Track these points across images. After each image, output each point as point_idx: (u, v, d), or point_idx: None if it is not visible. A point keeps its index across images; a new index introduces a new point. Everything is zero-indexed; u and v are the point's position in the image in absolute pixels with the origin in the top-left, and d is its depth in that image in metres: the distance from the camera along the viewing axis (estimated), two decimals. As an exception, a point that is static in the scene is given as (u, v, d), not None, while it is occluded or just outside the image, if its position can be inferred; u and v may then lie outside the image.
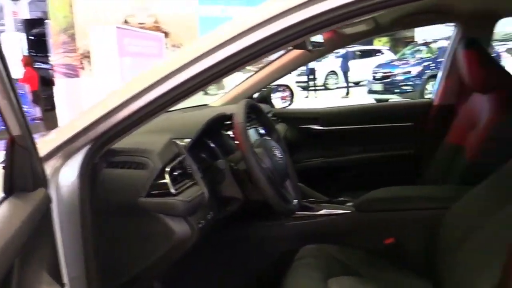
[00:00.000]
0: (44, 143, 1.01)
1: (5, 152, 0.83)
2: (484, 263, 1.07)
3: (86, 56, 6.23)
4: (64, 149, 1.00)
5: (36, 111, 9.27)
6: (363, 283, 1.33)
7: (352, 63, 13.74)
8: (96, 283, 1.03)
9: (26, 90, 9.12)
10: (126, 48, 4.10)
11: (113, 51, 3.79)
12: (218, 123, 1.63)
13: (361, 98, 11.40)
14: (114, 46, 3.79)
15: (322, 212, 1.63)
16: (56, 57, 6.15)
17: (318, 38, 1.93)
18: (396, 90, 10.64)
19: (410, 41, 18.27)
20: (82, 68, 6.28)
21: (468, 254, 1.17)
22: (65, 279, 0.97)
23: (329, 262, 1.42)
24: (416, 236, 1.50)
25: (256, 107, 1.56)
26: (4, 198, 0.82)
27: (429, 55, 11.61)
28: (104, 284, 1.08)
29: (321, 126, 2.38)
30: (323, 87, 14.75)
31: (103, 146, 1.04)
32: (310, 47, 1.67)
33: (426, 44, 12.38)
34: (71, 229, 0.99)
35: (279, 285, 1.34)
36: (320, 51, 2.15)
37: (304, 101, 11.92)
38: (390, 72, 11.07)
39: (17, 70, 9.28)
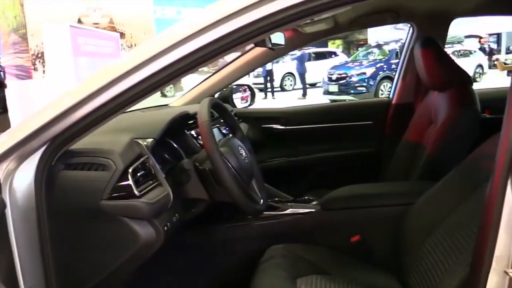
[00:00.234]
0: (-5, 145, 0.95)
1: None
2: (447, 257, 1.08)
3: (39, 57, 6.01)
4: (18, 151, 0.95)
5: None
6: (331, 282, 1.33)
7: (307, 65, 13.93)
8: None
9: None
10: (81, 47, 3.95)
11: (67, 51, 3.65)
12: (181, 123, 1.59)
13: (317, 99, 11.60)
14: (68, 45, 3.65)
15: (288, 211, 1.62)
16: (7, 58, 5.89)
17: (279, 37, 1.93)
18: (351, 91, 10.92)
19: (362, 44, 18.82)
20: (35, 69, 6.07)
21: (432, 248, 1.18)
22: (22, 288, 0.92)
23: (296, 261, 1.42)
24: (381, 233, 1.52)
25: (219, 105, 1.53)
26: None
27: (381, 57, 11.99)
28: None
29: (283, 125, 2.38)
30: (279, 89, 14.86)
31: (60, 147, 1.00)
32: (269, 45, 1.67)
33: (378, 46, 12.77)
34: (28, 235, 0.94)
35: (247, 286, 1.32)
36: (281, 50, 2.15)
37: (262, 103, 11.96)
38: (345, 74, 11.34)
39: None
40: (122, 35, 6.91)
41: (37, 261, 0.95)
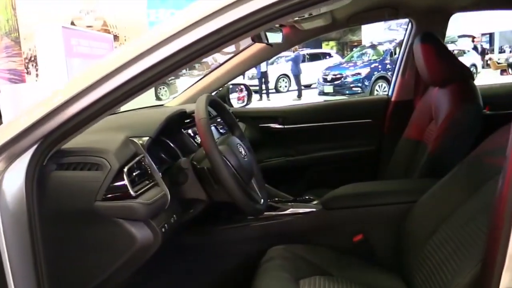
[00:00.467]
0: (-17, 145, 0.92)
1: None
2: (454, 255, 1.06)
3: (32, 60, 5.99)
4: (7, 151, 0.93)
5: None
6: (334, 282, 1.30)
7: (302, 66, 13.96)
8: None
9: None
10: (74, 48, 3.91)
11: (60, 52, 3.60)
12: (178, 121, 1.55)
13: (312, 100, 11.61)
14: (61, 46, 3.60)
15: (288, 211, 1.59)
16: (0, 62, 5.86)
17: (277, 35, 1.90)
18: (346, 92, 10.97)
19: (356, 45, 18.92)
20: (28, 73, 6.04)
21: (437, 246, 1.16)
22: (13, 295, 0.88)
23: (298, 262, 1.39)
24: (384, 232, 1.49)
25: (217, 103, 1.49)
26: None
27: (375, 57, 12.04)
28: None
29: (280, 124, 2.34)
30: (274, 91, 14.86)
31: (51, 146, 0.97)
32: (265, 41, 1.64)
33: (372, 46, 12.83)
34: (19, 239, 0.91)
35: None
36: (279, 47, 2.12)
37: (257, 104, 11.94)
38: (340, 74, 11.39)
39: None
40: (115, 37, 6.88)
41: (28, 266, 0.92)
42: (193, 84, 2.30)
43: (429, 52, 1.77)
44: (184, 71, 14.17)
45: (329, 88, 11.44)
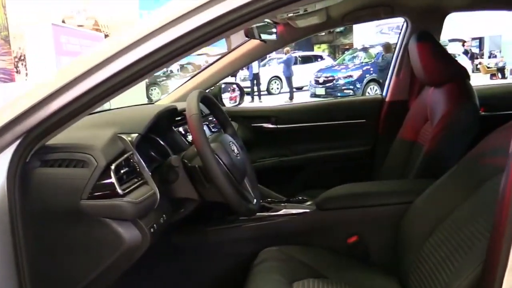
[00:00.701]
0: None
1: None
2: (452, 257, 1.03)
3: (21, 59, 5.94)
4: None
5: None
6: (328, 285, 1.27)
7: (294, 68, 13.99)
8: None
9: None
10: (64, 46, 3.86)
11: (50, 50, 3.55)
12: (169, 118, 1.51)
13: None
14: (51, 44, 3.55)
15: (282, 212, 1.55)
16: (-11, 62, 5.81)
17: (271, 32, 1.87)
18: (338, 94, 11.01)
19: (348, 48, 19.04)
20: (18, 72, 6.00)
21: (434, 248, 1.14)
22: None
23: (291, 264, 1.36)
24: (379, 233, 1.46)
25: (209, 99, 1.45)
26: None
27: (367, 60, 12.11)
28: None
29: (274, 124, 2.32)
30: (266, 92, 14.87)
31: (35, 142, 0.94)
32: (258, 37, 1.61)
33: (364, 49, 12.90)
34: (0, 240, 0.87)
35: None
36: (273, 45, 2.09)
37: (249, 106, 11.95)
38: (331, 77, 11.45)
39: None
40: (107, 37, 6.82)
41: (10, 267, 0.88)
42: (184, 82, 2.26)
43: (425, 51, 1.75)
44: (176, 72, 14.13)
45: (321, 90, 11.51)
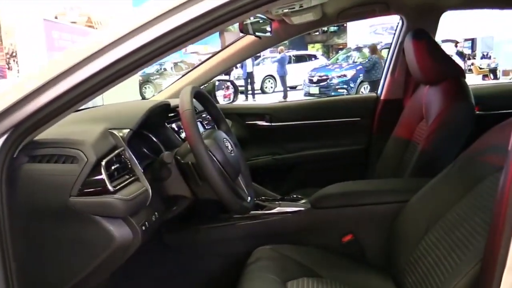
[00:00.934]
0: None
1: None
2: (448, 256, 1.02)
3: (13, 55, 5.88)
4: None
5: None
6: (323, 284, 1.26)
7: (288, 68, 13.99)
8: None
9: None
10: (56, 42, 3.81)
11: (41, 45, 3.50)
12: (161, 114, 1.48)
13: (298, 101, 11.69)
14: (42, 39, 3.50)
15: (276, 210, 1.54)
16: (-19, 58, 5.74)
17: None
18: (332, 93, 11.05)
19: (342, 47, 19.10)
20: (9, 68, 5.94)
21: (429, 247, 1.13)
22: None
23: (285, 263, 1.35)
24: (374, 232, 1.45)
25: (202, 95, 1.42)
26: None
27: (361, 59, 12.15)
28: None
29: (268, 122, 2.30)
30: (260, 91, 14.87)
31: (23, 137, 0.91)
32: (252, 32, 1.59)
33: (358, 49, 12.94)
34: None
35: None
36: (268, 41, 2.07)
37: (243, 103, 11.94)
38: (326, 76, 11.48)
39: None
40: (100, 34, 6.78)
41: None
42: (178, 79, 2.23)
43: (421, 49, 1.73)
44: (170, 70, 14.08)
45: (315, 89, 11.54)
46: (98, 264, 1.04)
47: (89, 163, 0.99)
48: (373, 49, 9.81)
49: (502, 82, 8.57)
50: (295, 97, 12.92)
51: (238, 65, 12.96)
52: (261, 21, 1.82)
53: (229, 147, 1.33)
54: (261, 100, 13.37)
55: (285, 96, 13.40)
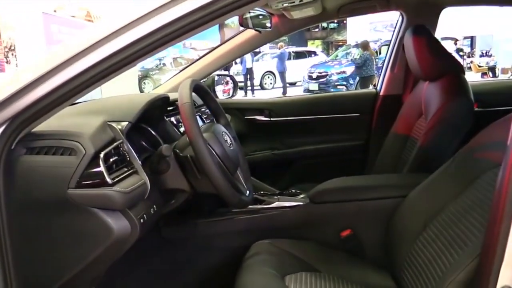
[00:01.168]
0: None
1: None
2: (446, 251, 1.03)
3: (12, 49, 5.86)
4: None
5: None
6: (321, 279, 1.27)
7: (287, 64, 13.97)
8: None
9: None
10: (55, 36, 3.79)
11: (40, 39, 3.48)
12: (161, 107, 1.48)
13: (297, 97, 11.67)
14: (41, 33, 3.48)
15: (274, 205, 1.53)
16: (-21, 51, 5.71)
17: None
18: (331, 90, 11.03)
19: (341, 44, 19.08)
20: (8, 62, 5.92)
21: (427, 242, 1.13)
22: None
23: (284, 257, 1.35)
24: (373, 227, 1.45)
25: (202, 88, 1.42)
26: None
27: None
28: None
29: (267, 117, 2.30)
30: (259, 87, 14.84)
31: (21, 129, 0.91)
32: (252, 26, 1.58)
33: (357, 45, 12.90)
34: None
35: (231, 285, 1.22)
36: (268, 36, 2.07)
37: (242, 98, 11.92)
38: (325, 72, 11.46)
39: None
40: (99, 28, 6.76)
41: None
42: (177, 73, 2.23)
43: (421, 45, 1.73)
44: (169, 66, 14.04)
45: (314, 86, 11.52)
46: (96, 257, 1.03)
47: (87, 155, 0.98)
48: (365, 45, 9.73)
49: (501, 80, 8.57)
50: (295, 93, 12.91)
51: (238, 61, 12.95)
52: (261, 16, 1.81)
53: (228, 141, 1.33)
54: (261, 96, 13.35)
55: (284, 93, 13.38)
